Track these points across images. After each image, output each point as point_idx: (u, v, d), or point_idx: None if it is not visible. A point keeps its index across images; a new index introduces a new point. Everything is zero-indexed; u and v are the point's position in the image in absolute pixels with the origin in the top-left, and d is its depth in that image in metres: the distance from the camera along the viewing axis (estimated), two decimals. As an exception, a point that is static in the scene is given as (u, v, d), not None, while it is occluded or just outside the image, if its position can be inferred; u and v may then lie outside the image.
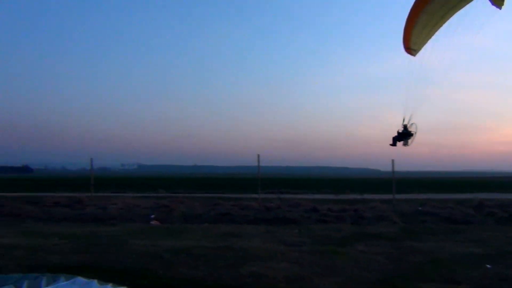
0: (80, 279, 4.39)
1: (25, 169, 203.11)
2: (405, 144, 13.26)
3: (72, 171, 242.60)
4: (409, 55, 12.91)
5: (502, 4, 10.25)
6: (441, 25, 12.22)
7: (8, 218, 16.53)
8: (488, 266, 8.56)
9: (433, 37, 12.58)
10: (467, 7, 11.26)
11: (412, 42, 12.60)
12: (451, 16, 11.93)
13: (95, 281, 4.37)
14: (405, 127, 13.19)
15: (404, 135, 13.20)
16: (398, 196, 22.13)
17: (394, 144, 13.44)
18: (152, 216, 16.74)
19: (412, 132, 13.15)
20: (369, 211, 17.69)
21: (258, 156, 20.70)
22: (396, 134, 13.39)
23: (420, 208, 19.13)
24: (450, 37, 12.35)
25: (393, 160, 20.92)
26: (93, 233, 12.42)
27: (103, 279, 4.76)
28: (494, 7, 10.33)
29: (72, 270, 6.41)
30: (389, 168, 21.32)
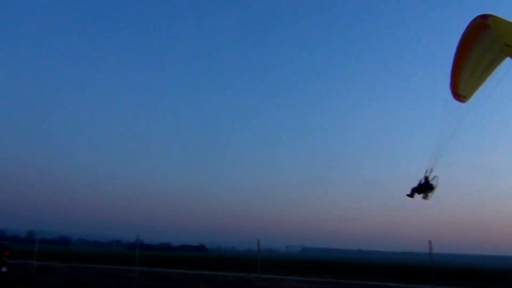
0: None
1: (201, 248, 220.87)
2: (425, 197, 12.56)
3: (240, 251, 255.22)
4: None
5: None
6: (490, 73, 11.34)
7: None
8: None
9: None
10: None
11: (461, 88, 11.85)
12: (498, 64, 11.11)
13: None
14: (426, 179, 12.41)
15: (424, 188, 12.46)
16: None
17: (411, 195, 12.76)
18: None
19: (433, 186, 12.37)
20: None
21: (430, 242, 18.97)
22: (416, 185, 12.67)
23: None
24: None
25: None
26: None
27: None
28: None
29: None
30: None
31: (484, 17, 10.35)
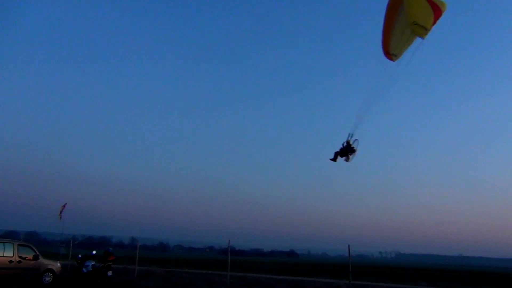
0: None
1: (292, 253, 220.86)
2: (346, 159, 13.43)
3: (331, 257, 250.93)
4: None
5: (425, 34, 10.04)
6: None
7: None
8: None
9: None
10: None
11: (391, 46, 11.86)
12: None
13: None
14: (348, 142, 13.33)
15: (346, 151, 13.37)
16: None
17: (334, 159, 13.58)
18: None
19: (354, 149, 13.29)
20: None
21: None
22: (339, 149, 13.52)
23: None
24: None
25: None
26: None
27: None
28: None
29: None
30: None
31: None
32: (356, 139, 13.39)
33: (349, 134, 13.44)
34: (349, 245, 23.39)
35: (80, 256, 22.88)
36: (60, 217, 34.98)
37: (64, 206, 35.42)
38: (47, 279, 21.85)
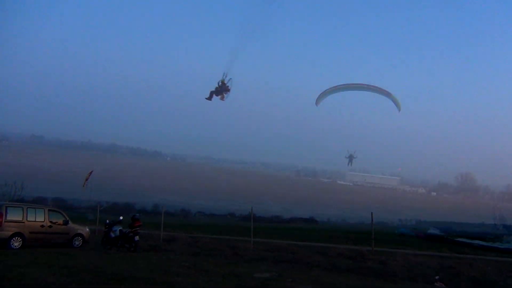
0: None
1: (311, 220, 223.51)
2: (221, 98, 14.32)
3: (351, 224, 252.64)
4: None
5: None
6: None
7: (300, 265, 18.39)
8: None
9: None
10: None
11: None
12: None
13: None
14: (222, 82, 14.07)
15: (221, 90, 14.15)
16: None
17: (210, 98, 14.24)
18: (437, 277, 15.59)
19: (229, 88, 14.07)
20: None
21: None
22: (214, 88, 14.20)
23: None
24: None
25: None
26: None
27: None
28: None
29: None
30: None
31: None
32: (230, 78, 13.86)
33: (224, 73, 13.76)
34: (372, 213, 23.57)
35: (108, 221, 23.58)
36: (85, 184, 35.88)
37: (90, 173, 36.24)
38: (77, 243, 22.68)
